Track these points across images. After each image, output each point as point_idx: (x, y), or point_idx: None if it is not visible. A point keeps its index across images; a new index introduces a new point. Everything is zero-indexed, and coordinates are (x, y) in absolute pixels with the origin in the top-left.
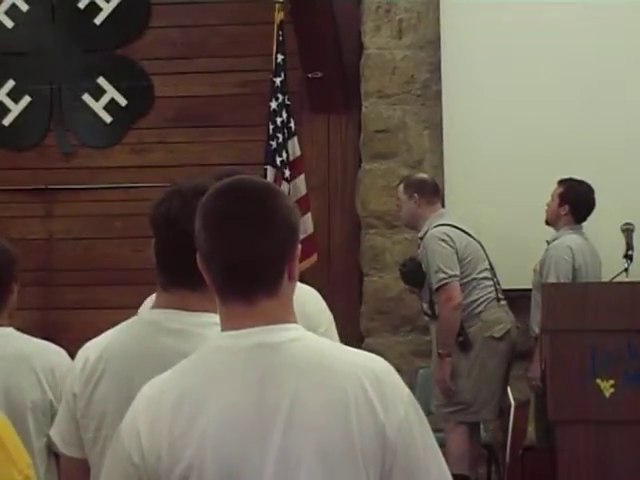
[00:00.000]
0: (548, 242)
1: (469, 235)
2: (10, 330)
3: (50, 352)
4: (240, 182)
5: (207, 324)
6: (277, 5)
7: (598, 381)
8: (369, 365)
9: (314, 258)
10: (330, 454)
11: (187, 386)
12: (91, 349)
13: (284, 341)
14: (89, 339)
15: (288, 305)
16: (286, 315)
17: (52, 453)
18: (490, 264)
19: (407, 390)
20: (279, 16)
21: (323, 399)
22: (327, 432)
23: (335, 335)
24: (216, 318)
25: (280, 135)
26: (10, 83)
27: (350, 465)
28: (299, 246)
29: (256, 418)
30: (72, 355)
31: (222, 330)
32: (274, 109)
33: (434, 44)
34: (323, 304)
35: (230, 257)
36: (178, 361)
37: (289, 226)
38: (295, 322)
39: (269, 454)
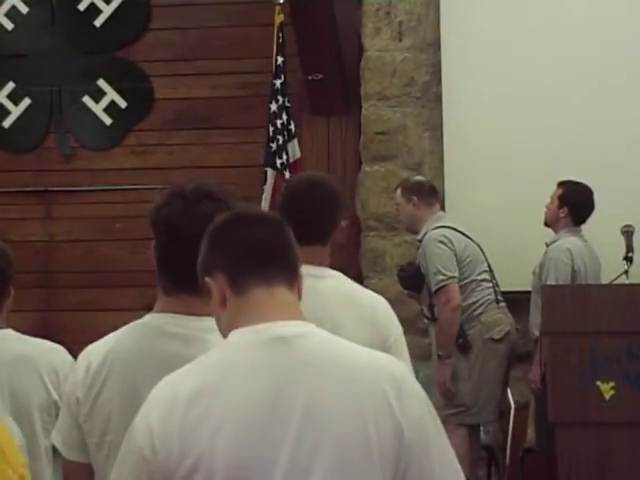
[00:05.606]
0: (547, 244)
1: (467, 237)
2: (8, 332)
3: (51, 352)
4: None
5: (210, 329)
6: (277, 7)
7: (598, 383)
8: (387, 365)
9: None
10: (347, 453)
11: (202, 383)
12: (93, 353)
13: (299, 335)
14: (89, 341)
15: None
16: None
17: (59, 453)
18: (489, 266)
19: (423, 392)
20: (279, 18)
21: (341, 397)
22: (344, 430)
23: (403, 347)
24: None
25: (280, 137)
26: (10, 85)
27: (366, 464)
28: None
29: (270, 416)
30: (73, 357)
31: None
32: (274, 111)
33: (434, 46)
34: (392, 313)
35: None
36: (181, 366)
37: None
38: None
39: (282, 452)
